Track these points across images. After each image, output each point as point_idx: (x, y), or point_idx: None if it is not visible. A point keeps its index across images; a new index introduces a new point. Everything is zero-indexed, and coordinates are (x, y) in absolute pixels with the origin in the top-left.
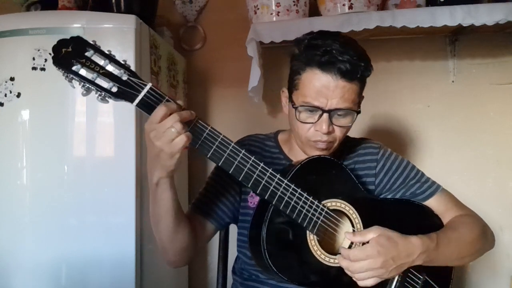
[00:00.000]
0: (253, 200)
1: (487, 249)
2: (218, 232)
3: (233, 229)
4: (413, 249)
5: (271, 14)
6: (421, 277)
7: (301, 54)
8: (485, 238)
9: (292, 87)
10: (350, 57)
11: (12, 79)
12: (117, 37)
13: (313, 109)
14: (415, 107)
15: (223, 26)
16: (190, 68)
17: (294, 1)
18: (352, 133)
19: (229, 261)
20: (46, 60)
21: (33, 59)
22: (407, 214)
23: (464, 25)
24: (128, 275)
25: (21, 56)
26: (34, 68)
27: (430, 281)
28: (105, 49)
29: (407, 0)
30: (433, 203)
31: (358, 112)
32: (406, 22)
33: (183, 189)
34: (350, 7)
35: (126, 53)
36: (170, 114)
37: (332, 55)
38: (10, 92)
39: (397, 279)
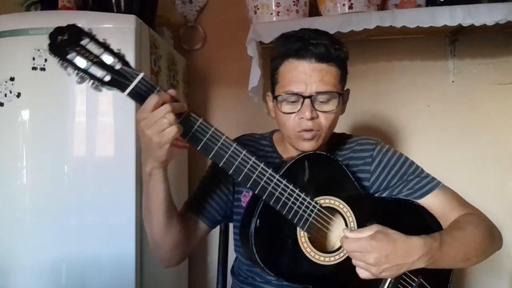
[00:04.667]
0: (246, 199)
1: (495, 250)
2: (218, 233)
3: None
4: (413, 249)
5: (271, 14)
6: (416, 279)
7: (277, 49)
8: (492, 238)
9: (273, 84)
10: (323, 40)
11: (12, 79)
12: (117, 37)
13: (294, 98)
14: (415, 107)
15: (223, 26)
16: (190, 68)
17: (294, 1)
18: (352, 133)
19: (229, 261)
20: (46, 60)
21: (33, 59)
22: (403, 213)
23: (464, 25)
24: (128, 275)
25: (21, 56)
26: (34, 68)
27: (425, 284)
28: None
29: (407, 0)
30: (433, 199)
31: (341, 95)
32: (406, 22)
33: (183, 189)
34: (350, 7)
35: (126, 53)
36: (163, 104)
37: (304, 40)
38: (10, 92)
39: (390, 281)
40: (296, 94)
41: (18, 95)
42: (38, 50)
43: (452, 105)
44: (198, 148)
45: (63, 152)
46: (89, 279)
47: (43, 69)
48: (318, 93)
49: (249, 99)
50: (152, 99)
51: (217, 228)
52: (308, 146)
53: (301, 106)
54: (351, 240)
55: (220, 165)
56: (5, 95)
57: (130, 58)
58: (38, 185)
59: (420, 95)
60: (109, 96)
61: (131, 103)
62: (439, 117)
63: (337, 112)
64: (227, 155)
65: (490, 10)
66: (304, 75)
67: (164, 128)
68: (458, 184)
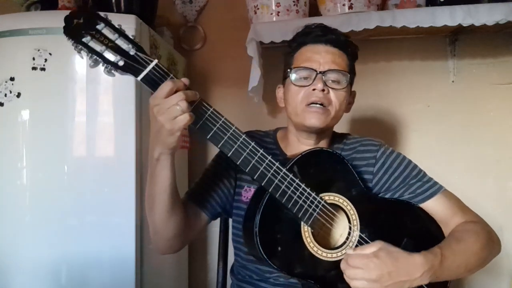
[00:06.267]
0: (247, 194)
1: (494, 256)
2: (218, 232)
3: None
4: (415, 267)
5: (271, 14)
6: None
7: (294, 42)
8: (491, 245)
9: (286, 71)
10: (338, 32)
11: (12, 79)
12: None
13: (307, 73)
14: (415, 107)
15: (223, 26)
16: (190, 68)
17: (294, 1)
18: (352, 133)
19: (229, 261)
20: (46, 60)
21: (33, 59)
22: (405, 215)
23: (464, 25)
24: (128, 275)
25: (21, 56)
26: (34, 68)
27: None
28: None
29: (407, 0)
30: (435, 204)
31: (351, 77)
32: (406, 22)
33: (183, 189)
34: (350, 7)
35: None
36: (176, 91)
37: (321, 28)
38: (10, 92)
39: None
40: (310, 68)
41: (18, 95)
42: (38, 50)
43: (452, 105)
44: (208, 136)
45: (63, 152)
46: (89, 279)
47: (43, 69)
48: (330, 70)
49: (249, 99)
50: (166, 86)
51: (217, 228)
52: (315, 119)
53: (313, 81)
54: (354, 256)
55: (229, 155)
56: (5, 95)
57: None
58: (38, 185)
59: (420, 95)
60: (109, 96)
61: (131, 103)
62: (439, 117)
63: (346, 91)
64: (236, 146)
65: (490, 10)
66: (318, 55)
67: (176, 115)
68: (458, 184)
